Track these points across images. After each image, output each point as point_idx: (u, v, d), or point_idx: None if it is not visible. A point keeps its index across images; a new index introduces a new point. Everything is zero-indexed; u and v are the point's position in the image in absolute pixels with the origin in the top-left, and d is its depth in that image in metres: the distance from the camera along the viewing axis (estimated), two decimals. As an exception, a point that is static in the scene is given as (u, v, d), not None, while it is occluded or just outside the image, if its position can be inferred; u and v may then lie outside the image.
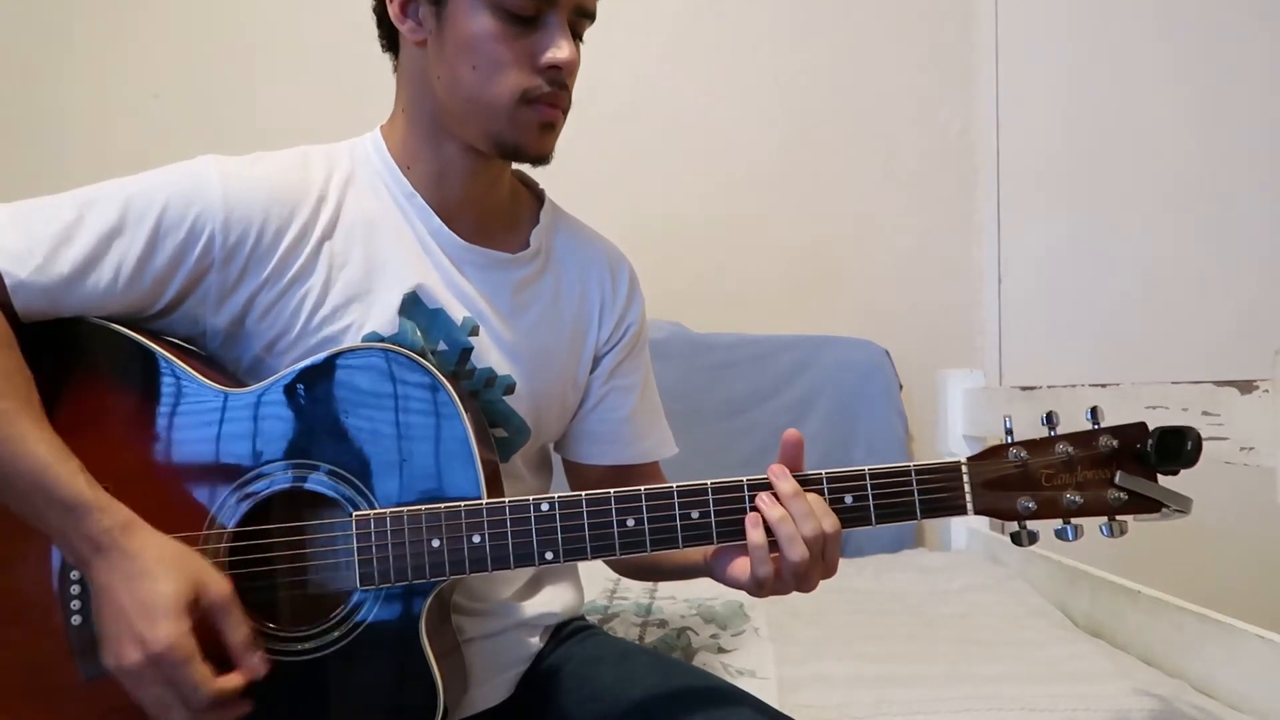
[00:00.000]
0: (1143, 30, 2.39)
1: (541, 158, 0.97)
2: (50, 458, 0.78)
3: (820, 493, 0.85)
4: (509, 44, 0.91)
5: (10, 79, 2.30)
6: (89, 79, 2.32)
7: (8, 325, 0.83)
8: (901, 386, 2.27)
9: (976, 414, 2.09)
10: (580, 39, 0.97)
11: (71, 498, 0.78)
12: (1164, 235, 2.38)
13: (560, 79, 0.93)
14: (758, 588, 0.87)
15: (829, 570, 0.87)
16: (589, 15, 0.97)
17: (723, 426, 2.18)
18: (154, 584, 0.77)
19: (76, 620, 0.84)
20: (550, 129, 0.96)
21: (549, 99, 0.93)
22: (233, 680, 0.79)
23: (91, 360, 0.89)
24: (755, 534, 0.84)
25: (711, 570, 0.92)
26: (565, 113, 0.97)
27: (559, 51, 0.92)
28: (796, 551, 0.83)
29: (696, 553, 0.94)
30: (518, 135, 0.94)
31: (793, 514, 0.84)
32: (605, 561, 1.15)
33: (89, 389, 0.82)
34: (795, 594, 0.88)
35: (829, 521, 0.84)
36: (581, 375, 1.09)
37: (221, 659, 0.79)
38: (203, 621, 0.79)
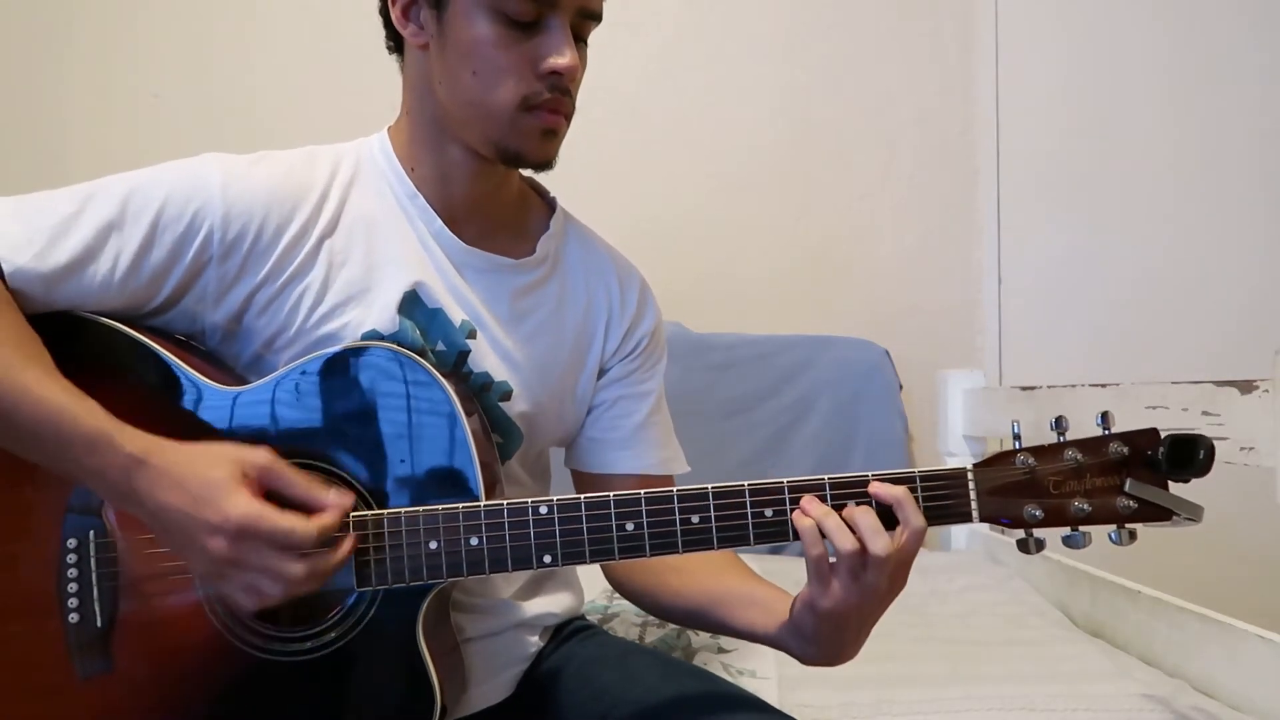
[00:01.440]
0: (1143, 30, 2.39)
1: (544, 164, 0.96)
2: (65, 399, 0.79)
3: (823, 498, 0.83)
4: (508, 49, 0.90)
5: (10, 79, 2.31)
6: (89, 79, 2.32)
7: (7, 292, 0.84)
8: (901, 386, 2.27)
9: (976, 414, 2.08)
10: (584, 41, 0.96)
11: (91, 432, 0.78)
12: (1164, 235, 2.37)
13: (561, 85, 0.92)
14: (822, 593, 0.83)
15: (898, 586, 0.85)
16: (594, 17, 0.94)
17: (723, 426, 2.18)
18: (201, 476, 0.77)
19: (74, 619, 0.84)
20: (552, 135, 0.94)
21: (550, 105, 0.92)
22: (326, 517, 0.79)
23: (91, 356, 0.89)
24: (804, 520, 0.82)
25: (783, 640, 0.90)
26: (569, 118, 0.96)
27: (560, 58, 0.90)
28: (846, 541, 0.80)
29: (767, 622, 0.92)
30: (519, 142, 0.93)
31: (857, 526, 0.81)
32: (655, 613, 1.11)
33: (88, 385, 0.82)
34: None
35: (880, 541, 0.80)
36: (584, 386, 1.08)
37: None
38: (260, 491, 0.79)
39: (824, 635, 0.87)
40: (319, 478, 0.83)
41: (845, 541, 0.80)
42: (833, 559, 0.82)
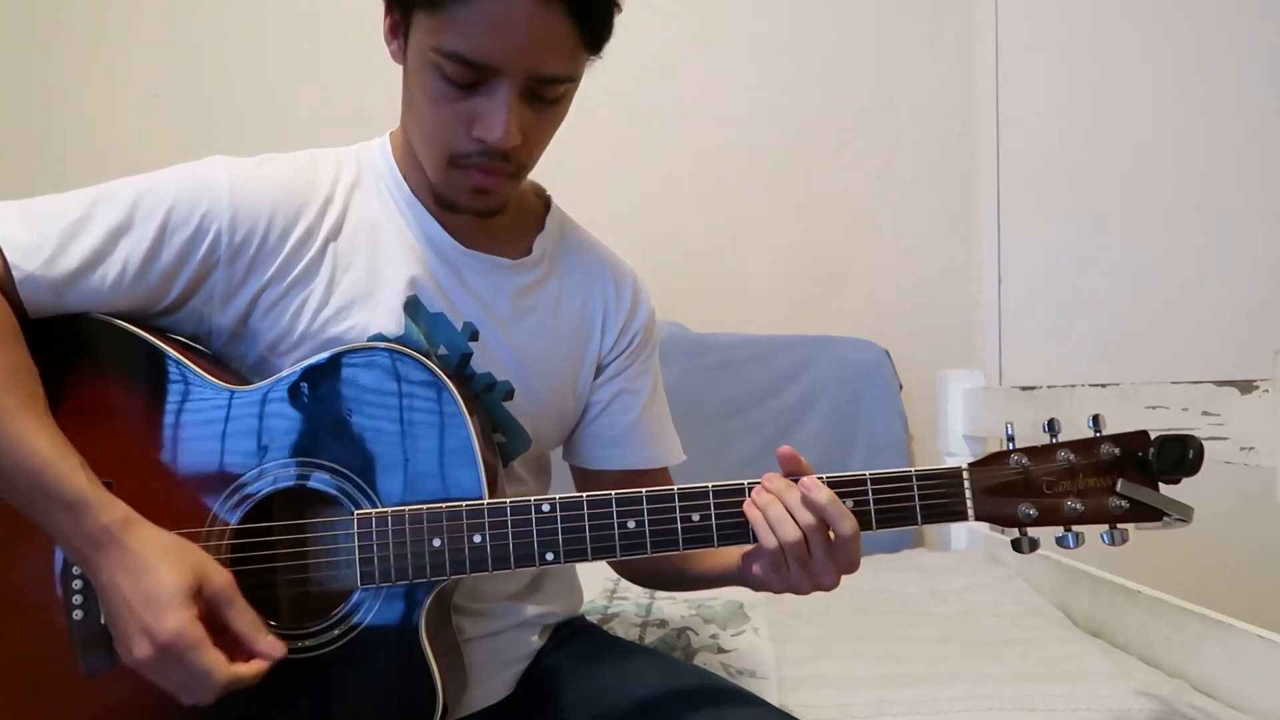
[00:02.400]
0: (1143, 31, 2.39)
1: (482, 214, 0.95)
2: (51, 454, 0.78)
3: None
4: (447, 106, 0.87)
5: (11, 79, 2.31)
6: (89, 79, 2.32)
7: (14, 319, 0.84)
8: (901, 386, 2.27)
9: (976, 414, 2.08)
10: (547, 101, 0.89)
11: (70, 495, 0.78)
12: (1164, 235, 2.38)
13: (491, 152, 0.88)
14: (772, 569, 0.86)
15: (848, 567, 0.86)
16: (552, 80, 0.87)
17: (723, 426, 2.18)
18: (156, 576, 0.77)
19: (78, 615, 0.85)
20: (484, 193, 0.92)
21: (480, 166, 0.89)
22: (251, 666, 0.79)
23: (97, 356, 0.89)
24: (753, 511, 0.85)
25: (741, 575, 0.92)
26: (513, 176, 0.92)
27: (489, 131, 0.85)
28: (788, 531, 0.83)
29: (728, 560, 0.95)
30: (451, 194, 0.93)
31: (784, 501, 0.84)
32: (625, 575, 1.16)
33: (94, 385, 0.82)
34: (795, 595, 0.88)
35: (845, 524, 0.83)
36: (582, 384, 1.08)
37: (232, 650, 0.80)
38: (208, 613, 0.79)
39: (779, 591, 0.90)
40: (261, 618, 0.83)
41: (788, 532, 0.83)
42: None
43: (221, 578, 0.81)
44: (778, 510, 0.84)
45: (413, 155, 0.98)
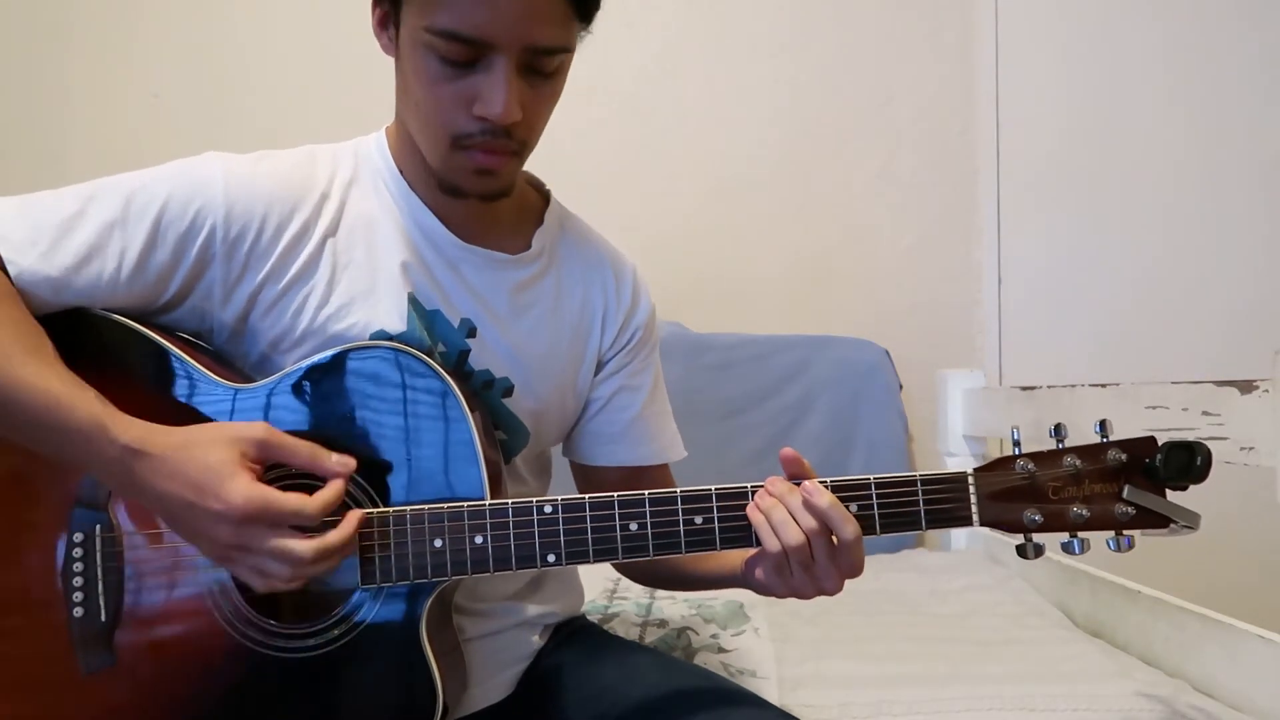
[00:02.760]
0: (1142, 31, 2.39)
1: (486, 197, 0.95)
2: (63, 388, 0.79)
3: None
4: (445, 86, 0.86)
5: (11, 79, 2.30)
6: (89, 79, 2.32)
7: (11, 287, 0.85)
8: (901, 386, 2.27)
9: (976, 414, 2.08)
10: (545, 75, 0.89)
11: (88, 419, 0.78)
12: (1164, 235, 2.38)
13: (493, 129, 0.87)
14: (775, 573, 0.86)
15: (851, 571, 0.86)
16: (548, 51, 0.87)
17: (723, 426, 2.18)
18: (196, 463, 0.78)
19: (79, 613, 0.85)
20: (488, 174, 0.91)
21: (483, 146, 0.88)
22: (329, 491, 0.80)
23: (100, 352, 0.89)
24: (756, 515, 0.85)
25: (744, 579, 0.92)
26: (516, 154, 0.92)
27: (489, 106, 0.85)
28: (790, 535, 0.83)
29: (730, 563, 0.95)
30: (454, 177, 0.92)
31: (787, 505, 0.84)
32: (626, 574, 1.16)
33: (96, 381, 0.82)
34: (798, 598, 0.88)
35: (847, 529, 0.83)
36: (583, 380, 1.08)
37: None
38: (263, 469, 0.80)
39: (782, 595, 0.90)
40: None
41: (791, 536, 0.83)
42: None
43: (256, 430, 0.81)
44: (780, 514, 0.84)
45: (409, 148, 0.98)
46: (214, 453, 0.78)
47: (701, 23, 2.39)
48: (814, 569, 0.84)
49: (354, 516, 0.82)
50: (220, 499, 0.76)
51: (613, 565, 1.12)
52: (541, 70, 0.88)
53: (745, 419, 2.21)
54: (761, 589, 0.90)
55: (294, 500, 0.78)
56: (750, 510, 0.85)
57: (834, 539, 0.84)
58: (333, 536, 0.80)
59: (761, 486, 0.86)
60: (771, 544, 0.84)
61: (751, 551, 0.89)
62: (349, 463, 0.83)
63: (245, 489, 0.77)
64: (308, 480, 0.83)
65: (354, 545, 0.83)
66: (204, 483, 0.77)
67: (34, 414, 0.79)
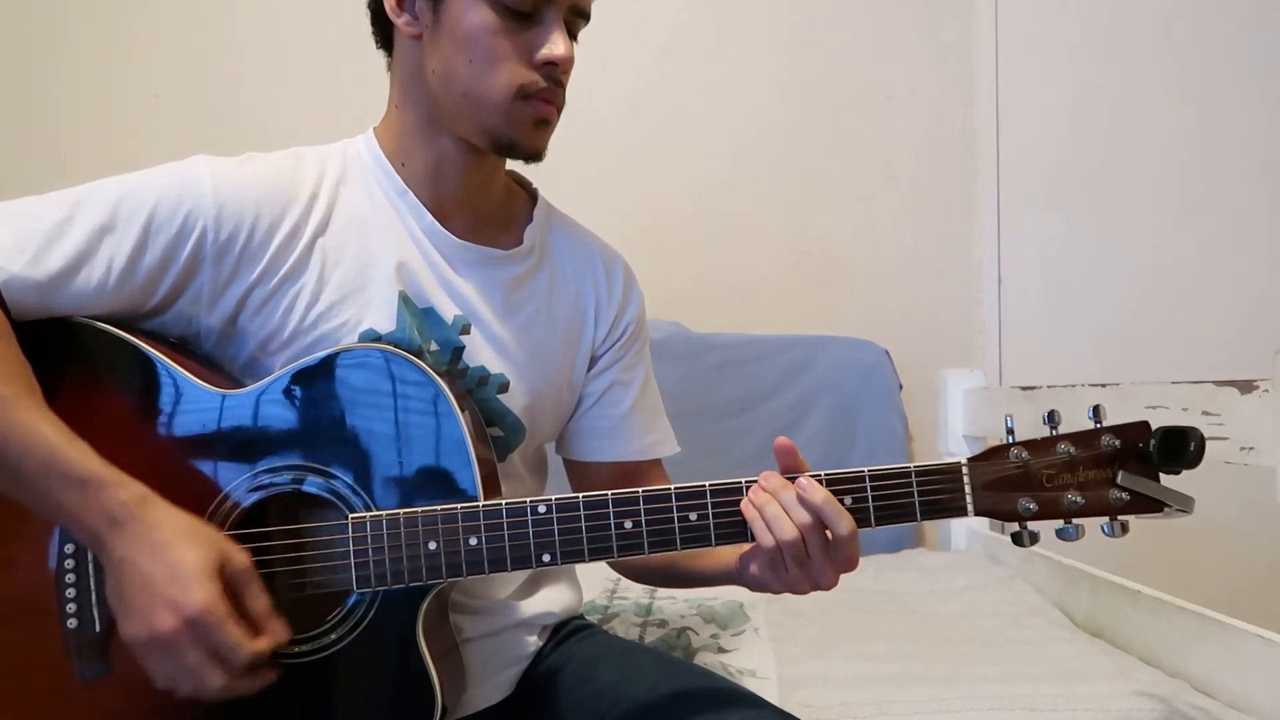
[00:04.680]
0: (1142, 31, 2.39)
1: (535, 154, 0.97)
2: (59, 438, 0.78)
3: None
4: (506, 38, 0.92)
5: (10, 79, 2.31)
6: (89, 79, 2.32)
7: (4, 317, 0.83)
8: (901, 386, 2.27)
9: (976, 414, 2.08)
10: (575, 39, 0.97)
11: (85, 473, 0.77)
12: (1164, 235, 2.38)
13: (556, 75, 0.94)
14: (772, 571, 0.86)
15: (847, 565, 0.86)
16: (584, 15, 0.97)
17: (723, 426, 2.18)
18: (180, 551, 0.77)
19: (73, 623, 0.84)
20: (545, 125, 0.96)
21: (544, 95, 0.94)
22: (264, 643, 0.79)
23: (84, 362, 0.88)
24: (749, 510, 0.84)
25: (740, 575, 0.92)
26: (560, 110, 0.97)
27: (555, 47, 0.92)
28: (784, 530, 0.82)
29: (725, 560, 0.94)
30: (513, 130, 0.94)
31: (780, 500, 0.83)
32: (622, 572, 1.15)
33: (80, 390, 0.82)
34: (795, 595, 0.88)
35: (842, 524, 0.83)
36: (577, 374, 1.09)
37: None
38: (225, 591, 0.78)
39: (778, 591, 0.90)
40: (270, 600, 0.82)
41: (785, 531, 0.83)
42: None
43: (242, 558, 0.80)
44: (774, 509, 0.83)
45: (406, 143, 0.99)
46: (199, 550, 0.77)
47: (701, 23, 2.39)
48: (809, 565, 0.84)
49: (268, 676, 0.81)
50: (185, 592, 0.75)
51: (609, 564, 1.12)
52: (574, 33, 0.97)
53: (745, 419, 2.21)
54: (756, 585, 0.90)
55: (240, 634, 0.77)
56: (744, 505, 0.85)
57: (828, 534, 0.83)
58: (244, 685, 0.79)
59: (755, 481, 0.86)
60: (765, 539, 0.83)
61: (746, 547, 0.89)
62: (285, 634, 0.81)
63: (211, 598, 0.76)
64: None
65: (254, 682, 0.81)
66: (177, 571, 0.76)
67: (25, 460, 0.77)
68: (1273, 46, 2.37)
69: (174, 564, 0.76)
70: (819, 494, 0.83)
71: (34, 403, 0.80)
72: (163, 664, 0.77)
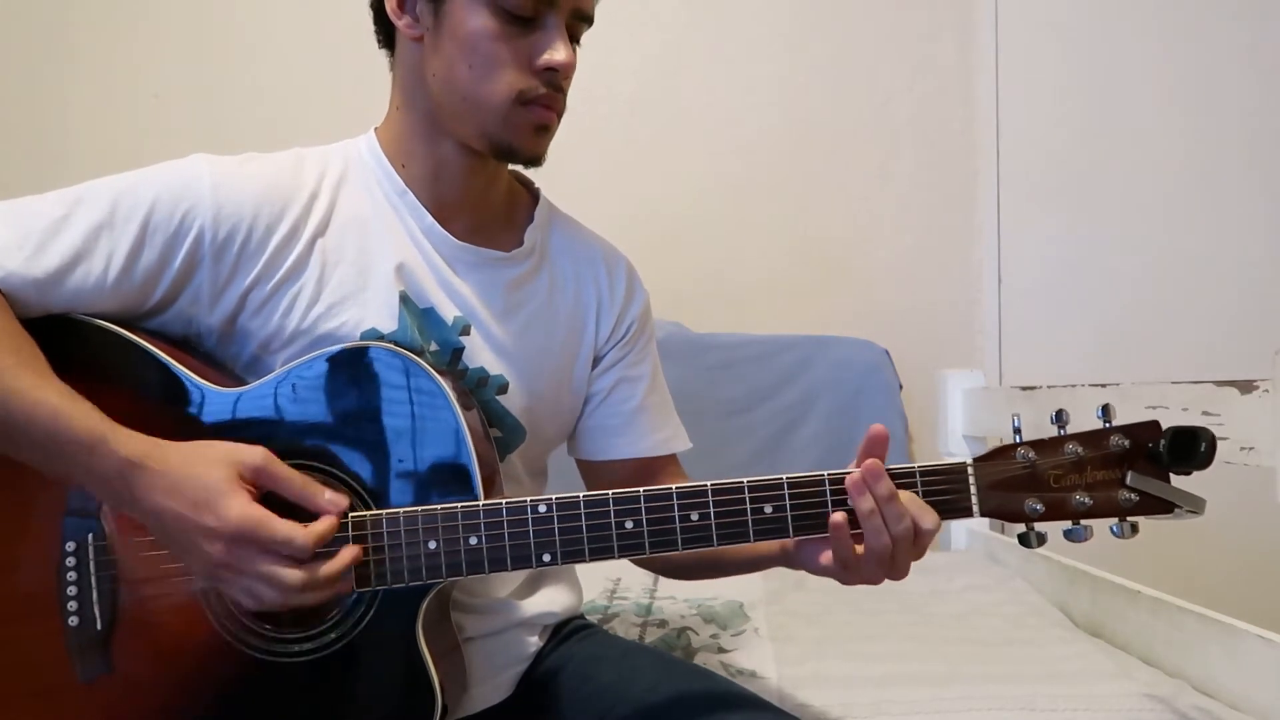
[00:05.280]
0: (1142, 31, 2.39)
1: (534, 159, 0.97)
2: (60, 401, 0.79)
3: (820, 495, 0.84)
4: (506, 43, 0.91)
5: (11, 79, 2.31)
6: (89, 79, 2.32)
7: (2, 297, 0.84)
8: (901, 386, 2.27)
9: (976, 414, 2.08)
10: (578, 42, 0.97)
11: (88, 433, 0.78)
12: (1164, 235, 2.38)
13: (556, 81, 0.93)
14: (844, 571, 0.85)
15: (919, 555, 0.85)
16: (587, 19, 0.96)
17: (723, 426, 2.18)
18: (195, 481, 0.77)
19: (74, 621, 0.84)
20: (544, 131, 0.96)
21: (544, 101, 0.93)
22: (323, 524, 0.79)
23: (86, 360, 0.88)
24: (837, 516, 0.83)
25: (796, 557, 0.90)
26: (560, 116, 0.97)
27: (556, 53, 0.91)
28: (881, 542, 0.82)
29: (773, 545, 0.93)
30: (512, 136, 0.94)
31: (884, 514, 0.82)
32: (658, 570, 1.14)
33: (82, 389, 0.82)
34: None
35: (928, 519, 0.82)
36: (579, 375, 1.08)
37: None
38: (256, 492, 0.79)
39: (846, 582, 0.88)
40: (317, 477, 0.83)
41: (883, 542, 0.82)
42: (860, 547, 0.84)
43: (256, 455, 0.80)
44: (878, 521, 0.82)
45: (407, 144, 0.99)
46: (212, 470, 0.78)
47: (701, 23, 2.39)
48: (892, 562, 0.83)
49: (348, 553, 0.81)
50: (216, 515, 0.76)
51: (633, 562, 1.11)
52: (576, 37, 0.96)
53: (745, 419, 2.21)
54: (817, 573, 0.88)
55: (287, 527, 0.77)
56: (838, 523, 0.83)
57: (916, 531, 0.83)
58: (324, 570, 0.79)
59: (757, 482, 0.84)
60: (875, 543, 0.82)
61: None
62: (340, 502, 0.82)
63: (241, 508, 0.76)
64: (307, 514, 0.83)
65: (348, 583, 0.82)
66: (200, 499, 0.77)
67: (29, 425, 0.78)
68: (1271, 46, 2.37)
69: (195, 493, 0.77)
70: (914, 502, 0.83)
71: (34, 368, 0.81)
72: (238, 587, 0.78)
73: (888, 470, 0.83)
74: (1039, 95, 2.40)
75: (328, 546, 0.80)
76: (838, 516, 0.83)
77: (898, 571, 0.85)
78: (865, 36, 2.41)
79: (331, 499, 0.81)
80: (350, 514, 0.84)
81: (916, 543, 0.83)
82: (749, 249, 2.38)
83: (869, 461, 0.83)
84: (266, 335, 0.93)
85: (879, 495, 0.82)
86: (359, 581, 0.84)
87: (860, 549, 0.83)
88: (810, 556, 0.89)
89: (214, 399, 0.88)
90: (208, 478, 0.77)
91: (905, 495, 0.83)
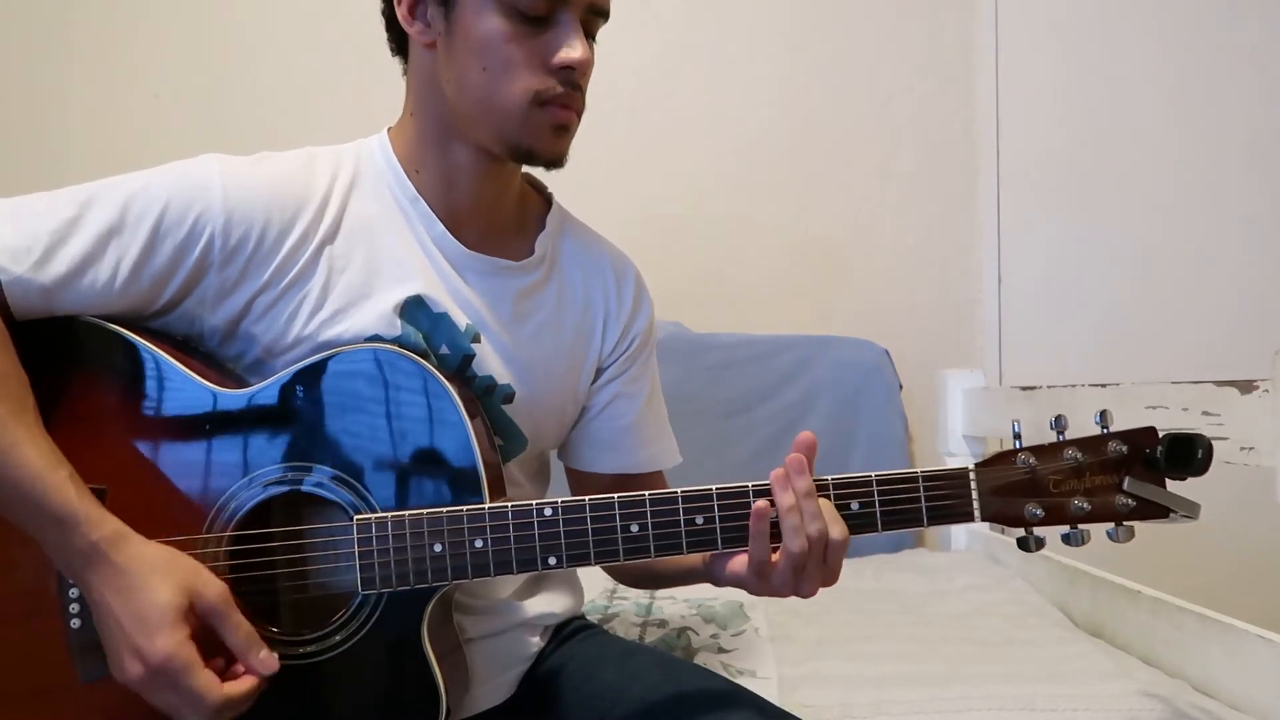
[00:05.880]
0: (1142, 30, 2.39)
1: (555, 161, 0.95)
2: (39, 467, 0.77)
3: (828, 498, 0.85)
4: (520, 44, 0.90)
5: (11, 79, 2.30)
6: (89, 79, 2.32)
7: (3, 325, 0.83)
8: (901, 386, 2.27)
9: (976, 414, 2.09)
10: (593, 38, 0.95)
11: (59, 509, 0.77)
12: (1163, 234, 2.38)
13: (573, 79, 0.91)
14: (756, 578, 0.86)
15: (831, 577, 0.86)
16: (603, 14, 0.94)
17: (723, 426, 2.18)
18: (147, 595, 0.77)
19: (75, 623, 0.84)
20: (564, 131, 0.94)
21: (562, 100, 0.91)
22: (242, 684, 0.79)
23: (89, 360, 0.88)
24: (760, 522, 0.84)
25: (710, 571, 0.92)
26: (579, 114, 0.95)
27: (572, 51, 0.90)
28: (797, 543, 0.82)
29: (694, 557, 0.93)
30: (531, 138, 0.93)
31: (802, 510, 0.83)
32: (603, 568, 1.16)
33: (84, 389, 0.82)
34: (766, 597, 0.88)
35: (837, 529, 0.83)
36: (583, 386, 1.08)
37: (228, 667, 0.80)
38: (202, 629, 0.79)
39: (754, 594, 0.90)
40: (259, 628, 0.82)
41: (799, 543, 0.83)
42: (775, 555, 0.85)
43: (214, 591, 0.80)
44: (796, 519, 0.83)
45: (420, 150, 0.98)
46: (164, 592, 0.77)
47: (701, 23, 2.39)
48: (804, 573, 0.84)
49: (250, 683, 0.80)
50: (148, 639, 0.76)
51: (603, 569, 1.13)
52: (591, 33, 0.94)
53: (745, 419, 2.21)
54: (732, 585, 0.89)
55: (204, 681, 0.77)
56: (760, 508, 0.84)
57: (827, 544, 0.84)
58: (235, 689, 0.79)
59: (766, 486, 0.85)
60: (792, 545, 0.83)
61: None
62: (271, 665, 0.81)
63: (172, 645, 0.76)
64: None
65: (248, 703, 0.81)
66: (141, 616, 0.76)
67: (5, 486, 0.78)
68: (1271, 45, 2.37)
69: (140, 608, 0.77)
70: (829, 509, 0.84)
71: (23, 423, 0.79)
72: (150, 700, 0.78)
73: (891, 475, 0.85)
74: (1039, 95, 2.40)
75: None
76: (761, 503, 0.84)
77: (806, 583, 0.85)
78: (866, 36, 2.40)
79: (263, 660, 0.81)
80: (356, 517, 0.85)
81: (828, 556, 0.84)
82: (749, 249, 2.38)
83: (792, 456, 0.85)
84: (270, 340, 0.93)
85: (799, 489, 0.83)
86: (364, 584, 0.85)
87: (776, 556, 0.84)
88: (720, 567, 0.90)
89: (216, 400, 0.88)
90: (156, 598, 0.77)
91: (822, 502, 0.84)
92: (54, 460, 0.79)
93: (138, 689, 0.78)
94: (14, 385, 0.81)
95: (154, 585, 0.77)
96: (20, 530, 0.80)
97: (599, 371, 1.09)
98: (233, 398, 0.88)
